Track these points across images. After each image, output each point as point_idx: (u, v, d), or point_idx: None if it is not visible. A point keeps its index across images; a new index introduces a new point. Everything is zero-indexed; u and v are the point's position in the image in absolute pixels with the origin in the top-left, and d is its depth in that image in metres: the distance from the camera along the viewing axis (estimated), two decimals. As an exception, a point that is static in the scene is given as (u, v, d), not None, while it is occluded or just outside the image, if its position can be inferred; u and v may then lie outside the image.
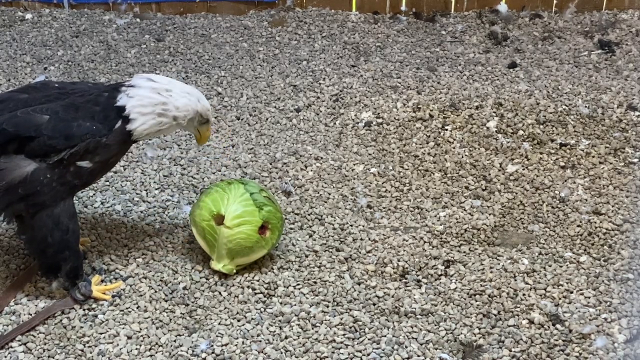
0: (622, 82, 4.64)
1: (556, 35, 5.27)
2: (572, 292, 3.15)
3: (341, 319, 3.01)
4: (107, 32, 5.29)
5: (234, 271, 3.20)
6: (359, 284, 3.20)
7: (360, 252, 3.37)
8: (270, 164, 3.95)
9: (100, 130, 2.88)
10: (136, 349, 2.89)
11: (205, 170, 3.89)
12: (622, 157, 4.00)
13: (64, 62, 4.89)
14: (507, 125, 4.22)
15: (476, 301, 3.11)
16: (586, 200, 3.69)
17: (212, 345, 2.90)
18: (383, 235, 3.47)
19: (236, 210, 3.13)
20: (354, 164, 3.96)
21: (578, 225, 3.53)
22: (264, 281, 3.19)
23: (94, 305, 3.07)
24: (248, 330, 2.96)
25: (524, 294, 3.13)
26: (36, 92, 2.98)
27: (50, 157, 2.82)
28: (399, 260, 3.32)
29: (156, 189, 3.74)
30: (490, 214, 3.61)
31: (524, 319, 3.02)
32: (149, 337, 2.94)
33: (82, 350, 2.88)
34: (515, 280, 3.21)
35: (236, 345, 2.90)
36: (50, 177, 2.84)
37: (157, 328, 2.98)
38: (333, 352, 2.88)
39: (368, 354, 2.87)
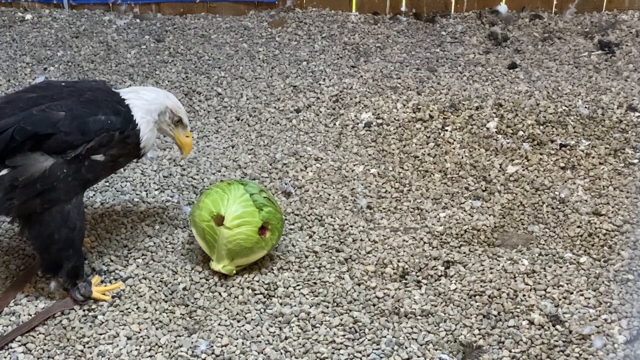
0: (622, 83, 4.64)
1: (556, 36, 5.27)
2: (572, 293, 3.15)
3: (341, 320, 3.01)
4: (107, 32, 5.29)
5: (234, 272, 3.20)
6: (358, 284, 3.20)
7: (360, 253, 3.37)
8: (270, 164, 3.95)
9: (115, 124, 2.93)
10: (136, 349, 2.89)
11: (205, 170, 3.89)
12: (622, 157, 4.00)
13: (64, 62, 4.89)
14: (507, 126, 4.22)
15: (476, 302, 3.11)
16: (586, 201, 3.69)
17: (212, 346, 2.90)
18: (383, 236, 3.47)
19: (236, 211, 3.13)
20: (354, 165, 3.96)
21: (578, 226, 3.53)
22: (263, 282, 3.19)
23: (93, 306, 3.07)
24: (248, 331, 2.96)
25: (524, 295, 3.13)
26: (43, 91, 3.02)
27: (67, 153, 2.86)
28: (398, 261, 3.32)
29: (156, 190, 3.74)
30: (490, 215, 3.61)
31: (524, 320, 3.02)
32: (148, 337, 2.94)
33: (81, 351, 2.88)
34: (515, 281, 3.21)
35: (236, 345, 2.90)
36: (66, 172, 2.87)
37: (157, 329, 2.97)
38: (333, 353, 2.88)
39: (368, 355, 2.87)
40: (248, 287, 3.16)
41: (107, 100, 3.01)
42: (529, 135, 4.15)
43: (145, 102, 3.08)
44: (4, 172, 2.82)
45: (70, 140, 2.84)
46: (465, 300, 3.12)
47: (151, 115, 3.09)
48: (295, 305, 3.08)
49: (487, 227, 3.54)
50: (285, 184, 3.78)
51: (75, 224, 2.96)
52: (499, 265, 3.30)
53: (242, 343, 2.91)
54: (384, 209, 3.67)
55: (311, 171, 3.91)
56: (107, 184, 3.77)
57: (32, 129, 2.81)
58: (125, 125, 2.97)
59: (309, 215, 3.59)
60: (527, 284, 3.19)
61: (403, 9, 5.59)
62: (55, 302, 3.08)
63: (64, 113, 2.86)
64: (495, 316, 3.04)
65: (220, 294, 3.14)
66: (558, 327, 2.98)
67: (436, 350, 2.90)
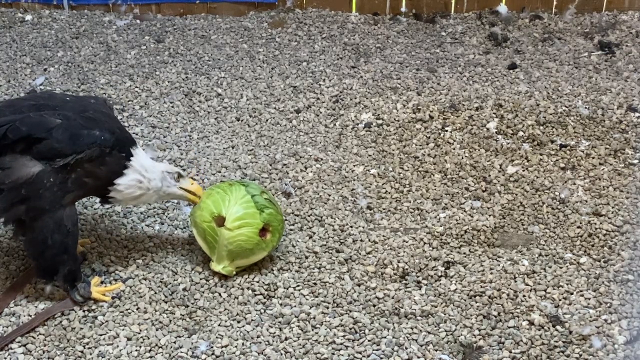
0: (622, 83, 4.64)
1: (556, 36, 5.27)
2: (572, 294, 3.15)
3: (341, 320, 3.01)
4: (107, 33, 5.29)
5: (234, 273, 3.20)
6: (359, 285, 3.20)
7: (360, 254, 3.37)
8: (270, 165, 3.95)
9: (107, 142, 2.93)
10: (136, 350, 2.89)
11: (205, 171, 3.89)
12: (622, 158, 4.00)
13: (64, 63, 4.89)
14: (507, 127, 4.22)
15: (476, 302, 3.11)
16: (586, 201, 3.69)
17: (212, 347, 2.90)
18: (383, 236, 3.47)
19: (237, 212, 3.13)
20: (354, 165, 3.96)
21: (578, 227, 3.53)
22: (264, 282, 3.18)
23: (93, 307, 3.07)
24: (248, 332, 2.96)
25: (524, 295, 3.13)
26: (46, 101, 3.04)
27: (55, 161, 2.85)
28: (399, 262, 3.32)
29: (156, 190, 3.74)
30: (490, 215, 3.61)
31: (524, 320, 3.02)
32: (148, 338, 2.93)
33: (81, 352, 2.88)
34: (515, 281, 3.21)
35: (236, 346, 2.90)
36: (53, 181, 2.85)
37: (157, 329, 2.97)
38: (333, 354, 2.88)
39: (368, 355, 2.87)
40: (248, 288, 3.16)
41: (106, 121, 3.02)
42: (529, 136, 4.15)
43: (145, 164, 3.09)
44: None
45: (60, 148, 2.84)
46: (465, 300, 3.12)
47: (146, 179, 3.08)
48: (295, 306, 3.08)
49: (487, 227, 3.54)
50: (285, 184, 3.78)
51: (68, 229, 2.94)
52: (499, 265, 3.30)
53: (242, 344, 2.91)
54: (384, 209, 3.66)
55: (311, 172, 3.91)
56: (107, 184, 3.77)
57: (26, 130, 2.81)
58: (114, 145, 2.96)
59: (309, 216, 3.59)
60: (527, 285, 3.19)
61: (403, 9, 5.59)
62: (55, 302, 3.08)
63: (60, 121, 2.87)
64: (495, 317, 3.04)
65: (220, 294, 3.14)
66: (558, 327, 2.98)
67: (436, 350, 2.90)
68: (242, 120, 4.34)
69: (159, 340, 2.93)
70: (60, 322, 3.00)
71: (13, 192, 2.83)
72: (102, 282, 3.18)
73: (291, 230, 3.50)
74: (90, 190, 3.05)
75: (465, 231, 3.51)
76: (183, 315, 3.04)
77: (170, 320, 3.02)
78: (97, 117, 3.01)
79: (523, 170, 3.91)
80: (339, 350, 2.90)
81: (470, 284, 3.19)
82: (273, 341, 2.93)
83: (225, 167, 3.93)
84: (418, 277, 3.25)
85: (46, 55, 4.98)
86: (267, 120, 4.34)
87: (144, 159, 3.11)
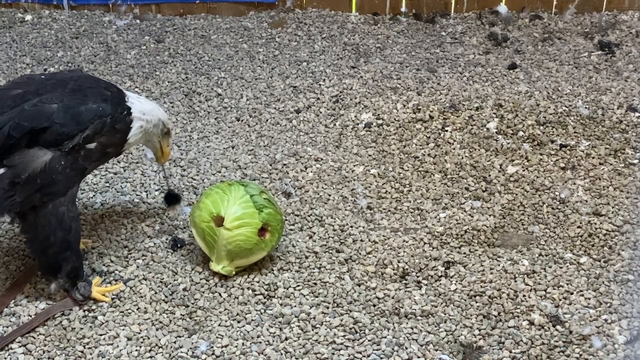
0: (622, 83, 4.64)
1: (556, 36, 5.27)
2: (572, 293, 3.15)
3: (341, 320, 3.01)
4: (107, 33, 5.29)
5: (233, 273, 3.20)
6: (359, 285, 3.20)
7: (360, 254, 3.37)
8: (270, 165, 3.95)
9: (106, 111, 2.95)
10: (136, 350, 2.89)
11: (205, 171, 3.89)
12: (622, 158, 4.00)
13: (64, 63, 4.89)
14: (507, 127, 4.22)
15: (476, 302, 3.11)
16: (586, 201, 3.69)
17: (212, 347, 2.90)
18: (383, 236, 3.47)
19: (236, 212, 3.13)
20: (354, 165, 3.96)
21: (578, 227, 3.53)
22: (264, 282, 3.19)
23: (93, 307, 3.07)
24: (248, 332, 2.96)
25: (524, 295, 3.13)
26: (26, 86, 3.00)
27: (64, 144, 2.87)
28: (399, 262, 3.32)
29: (156, 191, 3.74)
30: (490, 215, 3.61)
31: (524, 320, 3.02)
32: (149, 338, 2.93)
33: (82, 352, 2.88)
34: (516, 281, 3.21)
35: (236, 346, 2.90)
36: (64, 163, 2.88)
37: (157, 329, 2.97)
38: (333, 354, 2.88)
39: (368, 355, 2.87)
40: (248, 288, 3.16)
41: (93, 88, 3.02)
42: (529, 136, 4.15)
43: (143, 108, 3.14)
44: (2, 170, 2.82)
45: (66, 131, 2.85)
46: (465, 300, 3.12)
47: (145, 121, 3.13)
48: (295, 306, 3.08)
49: (487, 227, 3.54)
50: (286, 184, 3.78)
51: (70, 225, 2.96)
52: (499, 265, 3.30)
53: (242, 344, 2.91)
54: (384, 209, 3.66)
55: (311, 172, 3.91)
56: (107, 184, 3.77)
57: (28, 124, 2.82)
58: (114, 110, 2.98)
59: (309, 216, 3.59)
60: (527, 285, 3.19)
61: (403, 9, 5.59)
62: (55, 302, 3.08)
63: (57, 105, 2.87)
64: (495, 316, 3.04)
65: (220, 294, 3.14)
66: (558, 327, 2.98)
67: (436, 350, 2.90)
68: (242, 120, 4.34)
69: (159, 340, 2.93)
70: (60, 322, 3.00)
71: (29, 185, 2.84)
72: (102, 282, 3.18)
73: (291, 230, 3.50)
74: (110, 156, 3.15)
75: (465, 231, 3.51)
76: (183, 315, 3.04)
77: (171, 320, 3.02)
78: (80, 85, 3.00)
79: (523, 170, 3.91)
80: (339, 350, 2.90)
81: (470, 284, 3.19)
82: (273, 341, 2.93)
83: (225, 167, 3.93)
84: (418, 277, 3.25)
85: (46, 55, 4.98)
86: (267, 120, 4.34)
87: (140, 104, 3.14)
